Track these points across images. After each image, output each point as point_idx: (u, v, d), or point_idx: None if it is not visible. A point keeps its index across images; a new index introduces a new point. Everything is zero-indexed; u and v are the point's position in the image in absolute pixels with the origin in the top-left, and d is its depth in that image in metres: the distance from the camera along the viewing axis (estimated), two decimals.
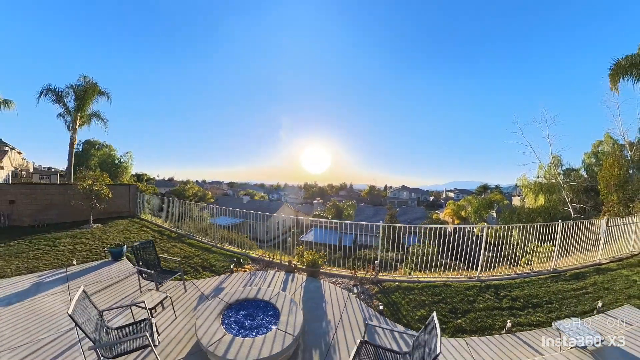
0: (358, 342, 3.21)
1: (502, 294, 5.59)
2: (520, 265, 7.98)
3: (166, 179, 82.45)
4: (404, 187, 75.29)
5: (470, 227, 8.23)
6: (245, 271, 6.80)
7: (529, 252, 8.48)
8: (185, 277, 6.09)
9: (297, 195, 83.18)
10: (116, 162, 31.19)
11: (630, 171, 14.53)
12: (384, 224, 7.51)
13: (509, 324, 4.29)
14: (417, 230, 8.38)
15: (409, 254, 7.79)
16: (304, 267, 6.71)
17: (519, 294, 5.69)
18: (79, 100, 17.55)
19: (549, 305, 5.30)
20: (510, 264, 7.65)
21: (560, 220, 7.75)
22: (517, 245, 7.51)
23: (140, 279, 5.43)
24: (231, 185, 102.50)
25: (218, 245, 8.88)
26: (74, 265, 6.89)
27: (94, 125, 19.18)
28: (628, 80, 12.15)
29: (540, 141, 25.08)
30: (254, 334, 3.69)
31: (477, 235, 9.54)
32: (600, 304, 4.73)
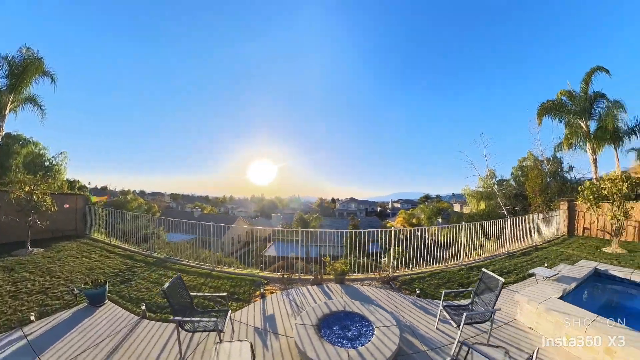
0: (441, 306, 4.94)
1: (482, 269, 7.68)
2: (483, 252, 10.85)
3: (98, 187, 73.53)
4: (352, 199, 79.01)
5: (439, 228, 10.62)
6: (273, 292, 6.53)
7: (480, 246, 11.14)
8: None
9: (246, 208, 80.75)
10: (46, 164, 24.54)
11: (548, 180, 19.72)
12: (390, 229, 9.26)
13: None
14: (382, 237, 9.51)
15: (399, 254, 9.14)
16: (333, 276, 7.38)
17: (495, 268, 8.49)
18: (15, 78, 13.93)
19: (515, 270, 8.32)
20: (476, 252, 10.53)
21: (508, 217, 11.22)
22: (468, 241, 9.99)
23: (179, 331, 4.05)
24: (174, 197, 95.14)
25: (217, 269, 8.29)
26: (32, 322, 4.84)
27: (26, 113, 15.43)
28: (548, 116, 18.24)
29: (479, 158, 30.11)
30: (363, 340, 4.16)
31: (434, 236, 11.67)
32: (542, 268, 6.92)
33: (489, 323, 4.42)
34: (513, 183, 25.91)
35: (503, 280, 4.55)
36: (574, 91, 17.47)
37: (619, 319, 4.10)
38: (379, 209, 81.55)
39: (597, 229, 13.55)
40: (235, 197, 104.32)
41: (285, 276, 7.22)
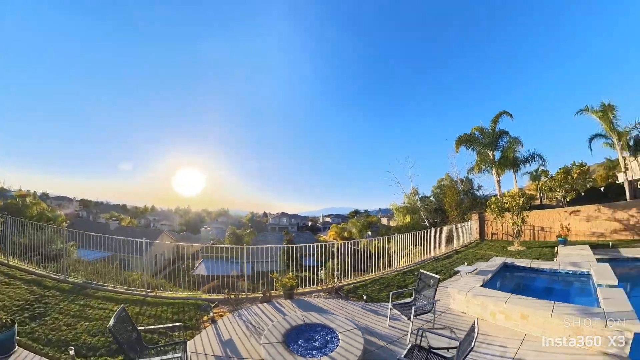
0: (390, 305, 5.53)
1: (415, 273, 8.98)
2: (411, 259, 12.46)
3: None
4: (284, 214, 78.60)
5: (369, 240, 11.96)
6: (223, 315, 6.10)
7: (408, 254, 12.73)
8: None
9: (170, 221, 72.52)
10: None
11: (462, 196, 23.82)
12: (331, 242, 9.83)
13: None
14: (318, 251, 9.73)
15: (337, 265, 9.39)
16: (282, 292, 7.34)
17: (425, 270, 9.38)
18: None
19: (442, 270, 9.72)
20: (404, 260, 12.14)
21: (431, 228, 13.49)
22: (397, 250, 11.23)
23: None
24: (84, 203, 79.35)
25: (152, 294, 7.35)
26: None
27: None
28: (464, 146, 22.63)
29: (404, 178, 33.52)
30: (331, 346, 4.31)
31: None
32: (464, 265, 8.60)
33: (431, 314, 5.28)
34: (433, 199, 29.76)
35: (438, 277, 5.52)
36: (484, 128, 21.98)
37: (525, 295, 5.56)
38: (310, 223, 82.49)
39: (502, 233, 16.93)
40: (157, 207, 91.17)
41: (232, 296, 6.82)
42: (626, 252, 10.07)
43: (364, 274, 9.68)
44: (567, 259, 8.84)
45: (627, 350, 3.79)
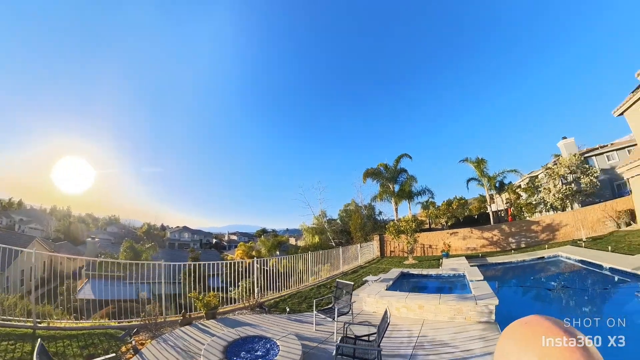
0: (314, 313, 6.09)
1: (329, 286, 10.19)
2: (320, 275, 13.37)
3: None
4: (186, 228, 69.99)
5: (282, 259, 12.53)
6: (144, 343, 5.56)
7: (317, 271, 13.68)
8: None
9: (44, 225, 55.03)
10: None
11: (366, 220, 27.46)
12: (245, 260, 10.07)
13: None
14: (227, 269, 9.37)
15: (250, 284, 9.51)
16: (204, 312, 6.96)
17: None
18: None
19: (352, 280, 10.79)
20: (314, 277, 12.84)
21: (340, 247, 15.32)
22: (306, 268, 12.27)
23: None
24: None
25: (42, 325, 6.05)
26: None
27: None
28: (370, 178, 26.21)
29: (314, 200, 35.53)
30: (274, 353, 4.50)
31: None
32: (370, 276, 9.75)
33: (349, 315, 6.17)
34: (340, 222, 32.09)
35: (352, 283, 6.56)
36: (388, 164, 26.04)
37: (420, 293, 6.91)
38: (214, 240, 76.98)
39: (399, 251, 19.97)
40: (26, 204, 66.47)
41: (150, 321, 6.18)
42: (490, 259, 14.24)
43: (280, 290, 10.13)
44: (449, 267, 11.42)
45: (493, 317, 5.59)
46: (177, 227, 71.26)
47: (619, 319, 4.11)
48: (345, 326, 4.90)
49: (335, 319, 5.52)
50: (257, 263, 9.48)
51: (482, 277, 8.11)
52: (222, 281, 15.62)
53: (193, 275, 9.26)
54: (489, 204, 27.31)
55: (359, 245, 18.06)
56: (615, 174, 19.34)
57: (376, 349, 3.94)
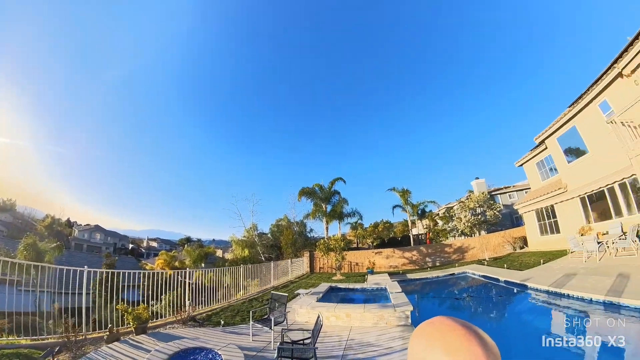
0: (251, 324, 6.43)
1: (260, 300, 10.58)
2: (248, 290, 13.18)
3: None
4: (98, 227, 59.61)
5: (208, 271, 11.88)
6: None
7: (246, 286, 13.56)
8: None
9: None
10: None
11: (297, 236, 28.12)
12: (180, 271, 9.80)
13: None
14: (148, 281, 8.64)
15: (175, 297, 8.97)
16: (133, 327, 6.41)
17: (268, 297, 10.49)
18: None
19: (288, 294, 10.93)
20: (242, 292, 12.69)
21: (272, 262, 15.80)
22: (234, 282, 12.02)
23: None
24: None
25: None
26: None
27: None
28: (304, 197, 27.47)
29: (246, 212, 35.06)
30: None
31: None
32: (302, 289, 10.24)
33: (284, 324, 6.60)
34: (271, 236, 32.07)
35: (287, 294, 7.09)
36: (323, 185, 27.52)
37: (347, 304, 7.94)
38: (131, 245, 68.03)
39: (328, 267, 20.96)
40: None
41: (72, 338, 5.39)
42: (409, 276, 15.99)
43: (211, 304, 10.03)
44: (373, 281, 12.69)
45: (409, 321, 6.67)
46: (88, 225, 58.99)
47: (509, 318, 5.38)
48: (283, 332, 5.33)
49: (272, 328, 5.90)
50: (180, 276, 9.09)
51: (400, 290, 9.38)
52: (141, 294, 14.09)
53: (110, 285, 8.08)
54: (410, 228, 30.93)
55: (289, 260, 18.58)
56: (514, 209, 23.23)
57: (312, 348, 4.45)
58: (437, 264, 21.37)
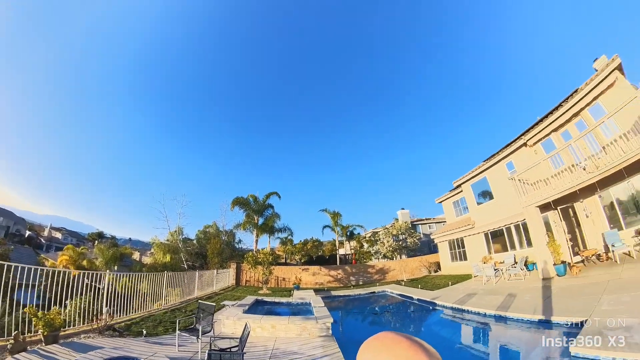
0: (177, 333, 6.71)
1: (183, 310, 10.68)
2: (168, 300, 12.56)
3: None
4: None
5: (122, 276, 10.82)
6: None
7: (166, 295, 12.71)
8: None
9: None
10: None
11: (224, 246, 27.67)
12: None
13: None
14: (34, 281, 6.97)
15: (85, 303, 8.16)
16: (43, 334, 5.69)
17: (193, 308, 10.41)
18: None
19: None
20: (160, 302, 11.90)
21: (197, 271, 15.99)
22: (152, 291, 11.23)
23: None
24: None
25: None
26: None
27: None
28: (238, 207, 27.04)
29: (173, 214, 33.28)
30: None
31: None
32: (227, 301, 10.57)
33: (212, 334, 6.75)
34: (196, 243, 30.76)
35: (214, 304, 7.40)
36: (258, 198, 27.68)
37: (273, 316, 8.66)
38: (29, 233, 56.07)
39: (255, 280, 21.23)
40: None
41: None
42: (334, 292, 17.46)
43: (129, 313, 9.40)
44: (298, 296, 13.63)
45: (330, 332, 7.58)
46: None
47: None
48: (211, 340, 5.65)
49: (200, 337, 6.13)
50: (87, 278, 8.29)
51: (323, 304, 10.38)
52: (40, 297, 11.49)
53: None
54: (337, 248, 32.81)
55: (215, 271, 18.24)
56: (431, 238, 27.05)
57: (241, 353, 4.89)
58: (360, 283, 23.12)
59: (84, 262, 27.75)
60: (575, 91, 13.51)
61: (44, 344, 5.51)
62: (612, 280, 8.53)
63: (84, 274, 8.42)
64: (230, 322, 8.10)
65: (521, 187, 13.45)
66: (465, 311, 9.52)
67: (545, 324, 6.97)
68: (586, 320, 5.92)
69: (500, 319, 8.16)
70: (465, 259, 20.18)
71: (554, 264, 11.63)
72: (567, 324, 6.46)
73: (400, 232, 30.54)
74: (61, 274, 7.40)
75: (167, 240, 28.12)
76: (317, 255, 38.44)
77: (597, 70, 12.50)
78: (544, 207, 13.26)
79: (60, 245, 50.10)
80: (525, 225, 14.72)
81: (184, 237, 30.02)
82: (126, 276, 10.14)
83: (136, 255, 37.72)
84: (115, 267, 28.48)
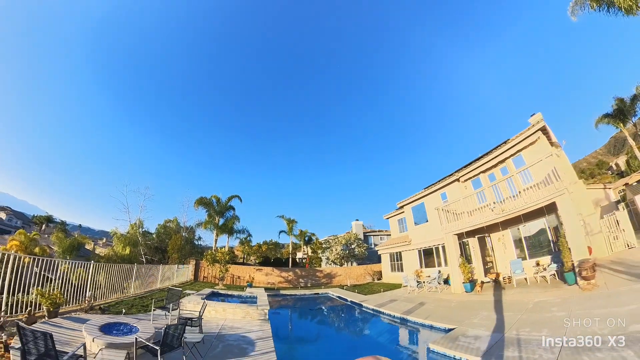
0: (152, 309, 9.02)
1: (150, 297, 12.34)
2: (127, 292, 14.08)
3: None
4: None
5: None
6: (10, 341, 5.44)
7: (128, 286, 14.05)
8: None
9: None
10: None
11: (185, 242, 29.36)
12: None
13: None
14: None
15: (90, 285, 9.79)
16: (47, 311, 7.07)
17: (160, 296, 12.11)
18: None
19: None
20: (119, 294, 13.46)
21: (161, 265, 18.19)
22: (110, 283, 12.29)
23: None
24: None
25: None
26: None
27: None
28: (201, 206, 29.25)
29: (135, 206, 34.30)
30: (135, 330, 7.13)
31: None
32: (189, 290, 12.63)
33: (178, 312, 9.34)
34: (156, 237, 31.86)
35: (180, 289, 10.11)
36: (220, 199, 30.04)
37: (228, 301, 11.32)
38: None
39: (212, 277, 23.57)
40: None
41: None
42: (282, 292, 20.66)
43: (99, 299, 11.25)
44: (249, 292, 16.49)
45: (267, 317, 10.35)
46: None
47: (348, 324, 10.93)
48: (180, 312, 8.08)
49: (170, 313, 8.55)
50: (37, 266, 8.30)
51: (266, 298, 13.62)
52: None
53: None
54: (291, 252, 35.98)
55: (176, 266, 20.41)
56: (376, 249, 30.38)
57: (199, 318, 7.44)
58: (309, 285, 26.18)
59: (37, 249, 27.65)
60: (504, 142, 15.88)
61: (47, 318, 7.04)
62: (498, 301, 10.28)
63: (36, 259, 8.46)
64: (191, 305, 10.65)
65: (445, 216, 15.80)
66: (381, 312, 12.26)
67: (430, 327, 9.11)
68: (455, 328, 7.82)
69: (403, 320, 10.47)
70: (402, 270, 23.38)
71: (463, 282, 13.62)
72: (444, 329, 8.38)
73: (349, 242, 34.27)
74: (16, 260, 7.46)
75: (128, 232, 28.79)
76: (275, 258, 40.99)
77: (531, 124, 14.53)
78: (467, 234, 15.42)
79: (4, 228, 47.82)
80: (444, 248, 17.62)
81: (144, 230, 30.94)
82: (82, 266, 10.24)
83: (90, 246, 37.50)
84: (68, 257, 28.62)
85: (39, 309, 7.46)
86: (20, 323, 4.13)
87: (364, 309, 13.88)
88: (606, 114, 26.31)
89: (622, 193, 19.59)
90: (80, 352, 4.39)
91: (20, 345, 3.96)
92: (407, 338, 9.88)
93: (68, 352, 4.31)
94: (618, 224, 12.94)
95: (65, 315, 7.83)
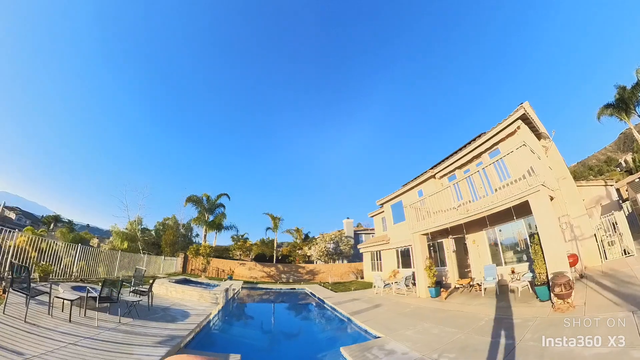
0: (131, 288, 10.87)
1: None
2: (115, 273, 16.73)
3: None
4: None
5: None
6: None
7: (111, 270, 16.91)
8: None
9: None
10: None
11: (180, 238, 32.10)
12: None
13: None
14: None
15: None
16: (38, 277, 10.66)
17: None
18: None
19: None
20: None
21: (146, 255, 20.91)
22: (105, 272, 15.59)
23: None
24: None
25: None
26: None
27: None
28: (190, 204, 32.25)
29: (135, 205, 36.57)
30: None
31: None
32: (170, 278, 14.60)
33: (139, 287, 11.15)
34: (154, 234, 33.99)
35: (144, 268, 12.66)
36: (210, 197, 32.42)
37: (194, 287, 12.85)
38: None
39: (197, 270, 25.78)
40: None
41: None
42: (260, 285, 22.51)
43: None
44: (226, 283, 17.50)
45: (219, 301, 11.98)
46: None
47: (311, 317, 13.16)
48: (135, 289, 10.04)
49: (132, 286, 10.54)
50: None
51: (238, 287, 16.01)
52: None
53: None
54: (275, 248, 37.60)
55: (162, 257, 22.69)
56: (358, 248, 31.02)
57: (149, 290, 9.70)
58: (290, 281, 27.54)
59: (43, 244, 30.15)
60: (479, 136, 14.58)
61: (38, 281, 9.73)
62: (453, 311, 9.63)
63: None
64: (163, 289, 12.72)
65: (415, 215, 14.78)
66: (335, 310, 12.39)
67: (365, 331, 8.64)
68: (381, 337, 7.50)
69: (348, 320, 10.44)
70: (381, 269, 23.38)
71: (428, 287, 12.82)
72: (374, 335, 7.92)
73: (333, 240, 35.99)
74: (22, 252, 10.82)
75: (127, 229, 31.08)
76: (258, 253, 42.49)
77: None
78: (441, 234, 14.88)
79: (13, 227, 50.49)
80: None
81: (142, 226, 33.21)
82: (73, 248, 13.66)
83: (94, 242, 39.98)
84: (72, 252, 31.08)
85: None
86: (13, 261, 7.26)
87: (325, 305, 14.35)
88: (608, 104, 25.36)
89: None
90: (47, 290, 6.87)
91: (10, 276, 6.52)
92: (339, 337, 9.72)
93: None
94: (615, 226, 11.43)
95: (52, 281, 10.18)
